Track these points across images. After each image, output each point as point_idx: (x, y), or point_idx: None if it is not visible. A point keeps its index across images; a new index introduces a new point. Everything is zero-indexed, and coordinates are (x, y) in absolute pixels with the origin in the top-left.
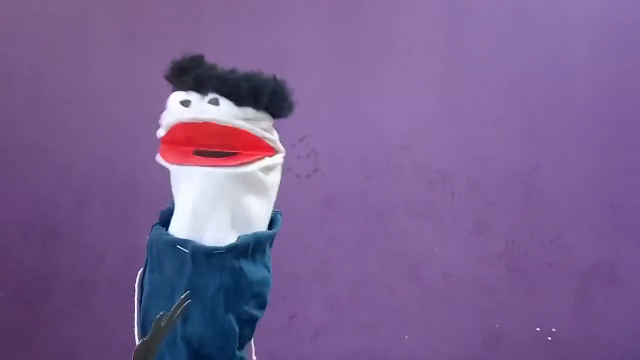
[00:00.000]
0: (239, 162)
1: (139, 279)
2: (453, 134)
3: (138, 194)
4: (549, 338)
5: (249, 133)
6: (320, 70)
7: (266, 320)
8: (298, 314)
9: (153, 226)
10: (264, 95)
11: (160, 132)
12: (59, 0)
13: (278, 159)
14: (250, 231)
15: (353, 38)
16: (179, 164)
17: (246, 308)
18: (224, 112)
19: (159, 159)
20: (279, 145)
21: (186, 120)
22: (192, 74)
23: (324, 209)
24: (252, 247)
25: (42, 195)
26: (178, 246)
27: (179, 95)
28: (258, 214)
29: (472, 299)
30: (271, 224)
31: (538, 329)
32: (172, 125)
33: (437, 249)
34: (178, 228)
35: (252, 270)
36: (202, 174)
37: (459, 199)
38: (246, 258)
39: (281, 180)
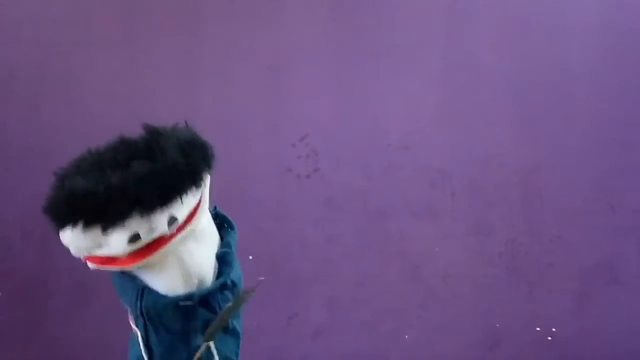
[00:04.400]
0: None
1: (143, 344)
2: (453, 134)
3: None
4: (549, 338)
5: None
6: (320, 70)
7: (266, 320)
8: (298, 314)
9: (142, 289)
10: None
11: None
12: (59, 0)
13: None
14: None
15: (353, 38)
16: (142, 260)
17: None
18: (174, 223)
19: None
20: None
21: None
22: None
23: (324, 209)
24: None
25: (42, 195)
26: (181, 303)
27: (123, 238)
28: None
29: (472, 299)
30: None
31: (538, 329)
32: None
33: (437, 249)
34: (170, 286)
35: (237, 265)
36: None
37: (459, 199)
38: (226, 265)
39: (281, 180)
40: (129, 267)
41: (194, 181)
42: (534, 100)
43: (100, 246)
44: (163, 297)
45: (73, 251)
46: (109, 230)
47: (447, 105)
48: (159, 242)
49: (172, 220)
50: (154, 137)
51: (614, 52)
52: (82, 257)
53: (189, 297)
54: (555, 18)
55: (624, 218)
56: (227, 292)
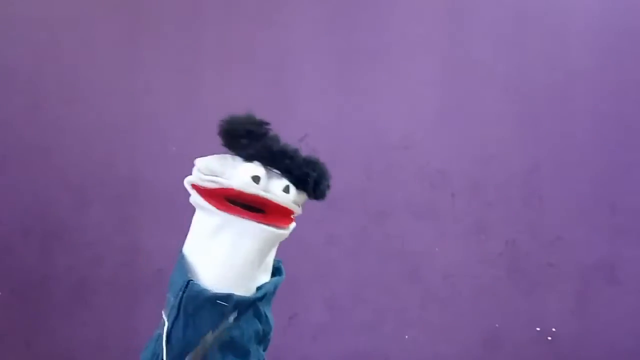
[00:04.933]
0: (286, 224)
1: (166, 335)
2: (453, 134)
3: (138, 194)
4: (549, 338)
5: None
6: (320, 70)
7: None
8: (298, 314)
9: (189, 282)
10: (322, 187)
11: (210, 185)
12: (59, 0)
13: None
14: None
15: (353, 38)
16: (241, 216)
17: (264, 353)
18: (290, 199)
19: (204, 202)
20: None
21: (252, 193)
22: (263, 147)
23: (324, 209)
24: (270, 293)
25: (42, 195)
26: (219, 301)
27: (251, 170)
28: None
29: (472, 299)
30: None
31: (538, 329)
32: (231, 189)
33: (437, 249)
34: (218, 279)
35: (271, 316)
36: (260, 231)
37: (459, 199)
38: (267, 304)
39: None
40: (218, 209)
41: (317, 197)
42: (534, 100)
43: (224, 173)
44: (205, 290)
45: (198, 168)
46: (253, 161)
47: (447, 105)
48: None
49: (286, 189)
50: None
51: (614, 52)
52: (194, 183)
53: (227, 297)
54: (555, 18)
55: (624, 218)
56: (258, 323)
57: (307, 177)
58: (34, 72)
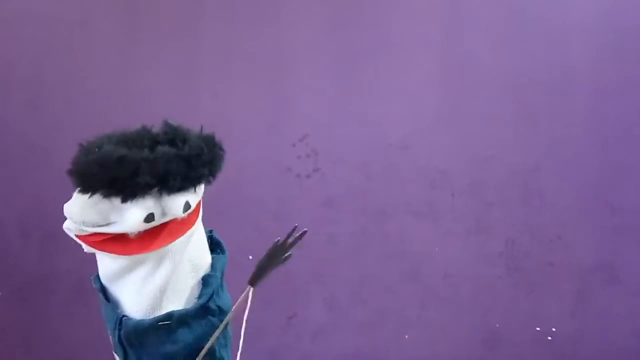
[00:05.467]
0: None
1: None
2: (453, 134)
3: None
4: (549, 338)
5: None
6: (320, 70)
7: (266, 320)
8: (298, 313)
9: (121, 319)
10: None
11: (92, 233)
12: (59, 0)
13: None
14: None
15: (353, 38)
16: (150, 250)
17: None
18: (189, 209)
19: (101, 252)
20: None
21: (148, 228)
22: (150, 179)
23: (324, 209)
24: (218, 286)
25: (42, 195)
26: (161, 323)
27: (140, 213)
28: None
29: (472, 299)
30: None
31: (538, 329)
32: (124, 232)
33: (437, 249)
34: (150, 305)
35: (227, 291)
36: (176, 246)
37: (459, 199)
38: (217, 296)
39: (281, 180)
40: (128, 254)
41: (212, 173)
42: (534, 99)
43: (108, 222)
44: (142, 320)
45: (76, 221)
46: (129, 201)
47: (447, 105)
48: (165, 234)
49: (187, 206)
50: (175, 131)
51: (614, 51)
52: (78, 234)
53: (167, 316)
54: (555, 17)
55: (624, 218)
56: (211, 318)
57: (200, 182)
58: (34, 72)
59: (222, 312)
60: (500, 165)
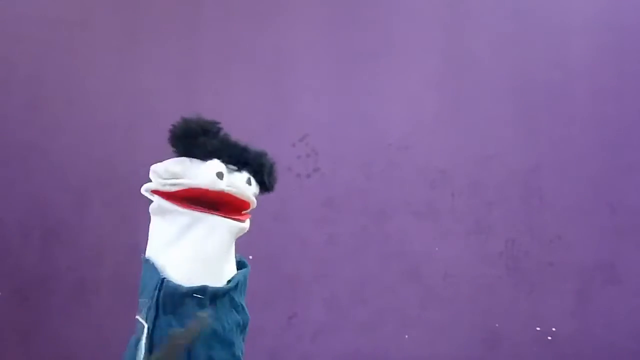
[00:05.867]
0: (246, 218)
1: (149, 336)
2: (453, 134)
3: (138, 194)
4: (549, 338)
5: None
6: (320, 70)
7: (266, 320)
8: (298, 313)
9: (163, 280)
10: (273, 179)
11: (173, 188)
12: (59, 0)
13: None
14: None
15: (353, 38)
16: (208, 212)
17: (242, 343)
18: (252, 191)
19: (170, 205)
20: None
21: (217, 190)
22: (221, 142)
23: (324, 209)
24: (242, 283)
25: (42, 195)
26: (195, 294)
27: (215, 166)
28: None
29: (472, 299)
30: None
31: (538, 329)
32: (197, 188)
33: (437, 249)
34: (190, 275)
35: (246, 307)
36: (227, 226)
37: (459, 199)
38: (241, 295)
39: (281, 180)
40: (186, 209)
41: (267, 189)
42: (534, 100)
43: (187, 175)
44: (180, 285)
45: (162, 176)
46: (212, 159)
47: (447, 105)
48: (235, 212)
49: (248, 181)
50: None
51: (614, 51)
52: (159, 189)
53: (202, 289)
54: (555, 17)
55: (624, 218)
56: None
57: (263, 167)
58: (34, 72)
59: (239, 312)
60: (500, 165)
